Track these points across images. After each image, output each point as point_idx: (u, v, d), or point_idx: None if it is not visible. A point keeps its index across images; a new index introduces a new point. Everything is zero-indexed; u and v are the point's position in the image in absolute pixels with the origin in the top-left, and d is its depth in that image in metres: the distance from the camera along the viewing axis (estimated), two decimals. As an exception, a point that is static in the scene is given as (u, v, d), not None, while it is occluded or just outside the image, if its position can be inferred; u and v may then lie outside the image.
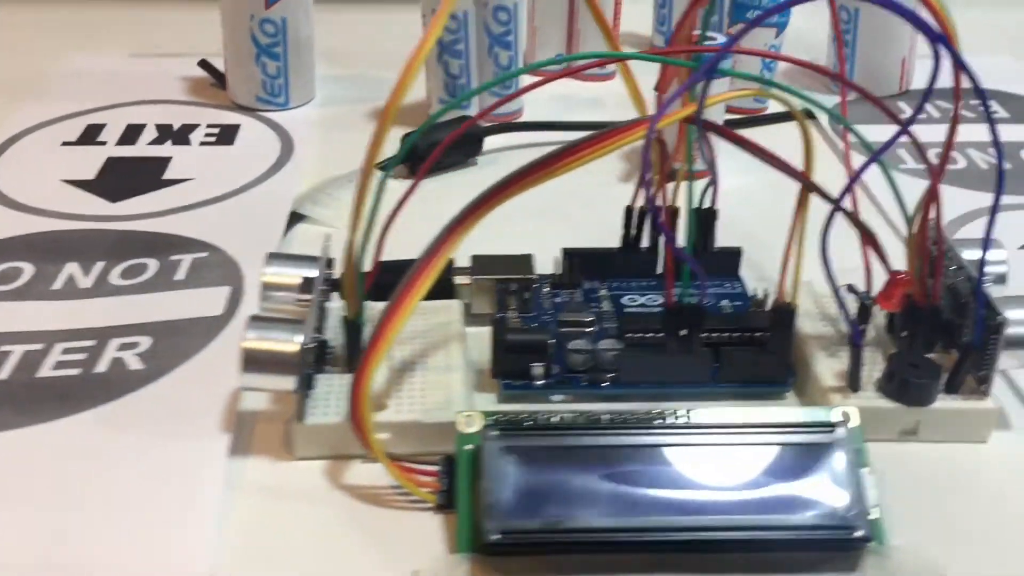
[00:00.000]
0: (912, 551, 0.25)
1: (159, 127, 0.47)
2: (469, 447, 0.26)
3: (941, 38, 0.25)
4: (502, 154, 0.45)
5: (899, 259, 0.29)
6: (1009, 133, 0.48)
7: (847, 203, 0.28)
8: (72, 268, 0.36)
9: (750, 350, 0.30)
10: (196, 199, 0.41)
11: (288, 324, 0.27)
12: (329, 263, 0.31)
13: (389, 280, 0.26)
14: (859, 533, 0.24)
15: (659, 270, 0.35)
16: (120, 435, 0.28)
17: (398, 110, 0.26)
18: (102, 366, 0.31)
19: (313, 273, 0.30)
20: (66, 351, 0.31)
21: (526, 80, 0.46)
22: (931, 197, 0.28)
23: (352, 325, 0.29)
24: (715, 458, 0.25)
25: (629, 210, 0.35)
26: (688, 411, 0.27)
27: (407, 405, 0.28)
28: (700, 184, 0.32)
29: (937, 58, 0.25)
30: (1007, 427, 0.30)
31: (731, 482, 0.25)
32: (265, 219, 0.39)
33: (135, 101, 0.50)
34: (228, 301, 0.34)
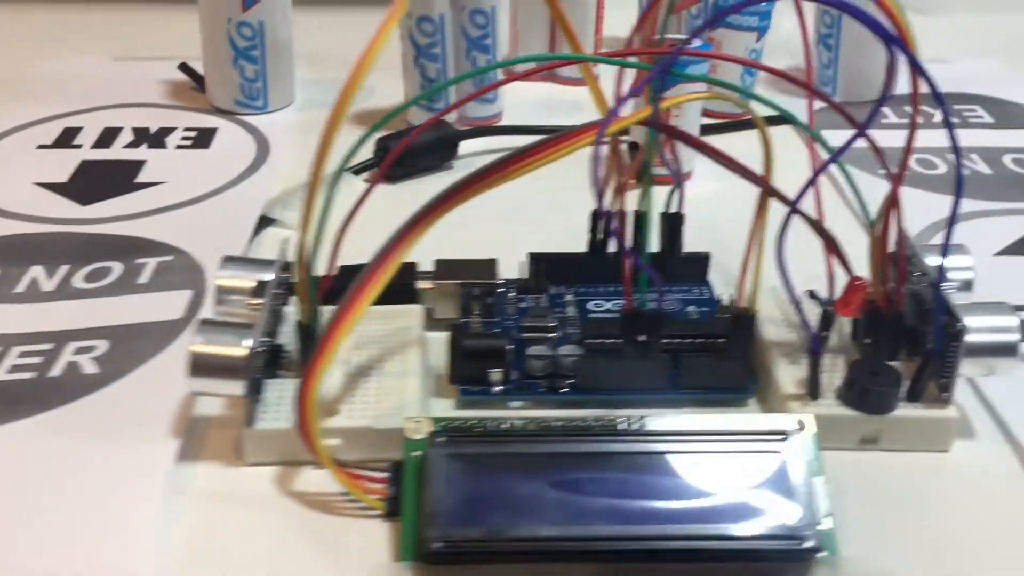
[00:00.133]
0: (864, 563, 0.25)
1: (136, 130, 0.47)
2: (417, 454, 0.26)
3: (896, 40, 0.25)
4: (478, 158, 0.45)
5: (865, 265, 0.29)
6: (993, 138, 0.48)
7: (815, 209, 0.28)
8: (36, 271, 0.36)
9: (710, 356, 0.30)
10: (167, 202, 0.41)
11: (237, 328, 0.27)
12: (286, 267, 0.30)
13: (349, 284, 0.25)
14: (808, 544, 0.24)
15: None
16: (68, 440, 0.28)
17: (346, 116, 0.25)
18: (57, 370, 0.30)
19: (269, 277, 0.30)
20: (22, 355, 0.31)
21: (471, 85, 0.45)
22: (892, 203, 0.28)
23: (306, 330, 0.29)
24: (665, 466, 0.25)
25: (595, 214, 0.34)
26: (641, 418, 0.26)
27: (359, 411, 0.28)
28: (667, 188, 0.31)
29: (892, 60, 0.25)
30: (971, 436, 0.29)
31: (680, 491, 0.25)
32: (235, 223, 0.39)
33: (114, 104, 0.50)
34: (189, 305, 0.34)
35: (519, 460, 0.25)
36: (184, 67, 0.52)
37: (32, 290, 0.34)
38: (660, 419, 0.26)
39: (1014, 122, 0.50)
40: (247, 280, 0.30)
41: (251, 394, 0.27)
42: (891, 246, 0.29)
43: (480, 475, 0.25)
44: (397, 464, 0.26)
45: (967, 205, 0.42)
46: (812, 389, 0.28)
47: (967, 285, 0.31)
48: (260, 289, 0.29)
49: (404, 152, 0.43)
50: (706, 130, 0.44)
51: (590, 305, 0.34)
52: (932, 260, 0.30)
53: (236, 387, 0.26)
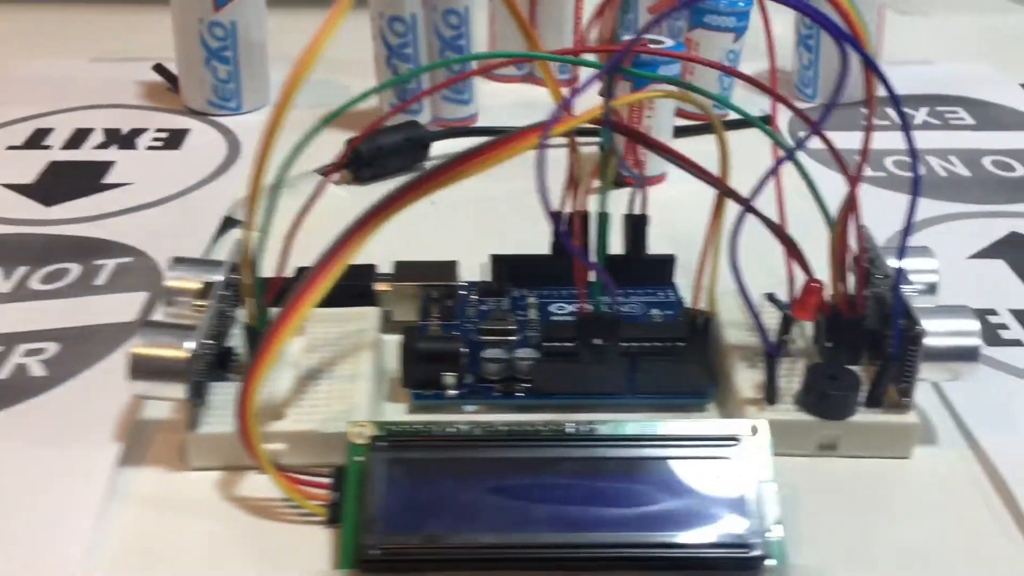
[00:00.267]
0: (815, 572, 0.24)
1: (107, 131, 0.47)
2: (359, 459, 0.25)
3: (847, 37, 0.24)
4: (450, 160, 0.45)
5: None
6: (973, 140, 0.47)
7: (776, 209, 0.28)
8: (-6, 273, 0.35)
9: (667, 360, 0.29)
10: (132, 203, 0.40)
11: (180, 330, 0.26)
12: (235, 268, 0.30)
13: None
14: (755, 552, 0.23)
15: (591, 278, 0.34)
16: (9, 442, 0.27)
17: (285, 117, 0.25)
18: (4, 373, 0.30)
19: (219, 278, 0.29)
20: (-29, 357, 0.31)
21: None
22: (850, 205, 0.27)
23: (253, 332, 0.28)
24: (612, 472, 0.25)
25: (557, 216, 0.34)
26: (591, 423, 0.26)
27: (307, 414, 0.27)
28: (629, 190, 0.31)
29: (845, 58, 0.24)
30: (933, 442, 0.29)
31: (626, 497, 0.24)
32: (200, 224, 0.39)
33: (87, 105, 0.49)
34: (143, 307, 0.33)
35: (463, 465, 0.25)
36: (159, 68, 0.52)
37: (-12, 292, 0.34)
38: (610, 424, 0.26)
39: (995, 124, 0.49)
40: (195, 281, 0.29)
41: (193, 397, 0.26)
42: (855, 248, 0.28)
43: (421, 481, 0.24)
44: (340, 469, 0.25)
45: (943, 208, 0.41)
46: (769, 394, 0.28)
47: (931, 288, 0.30)
48: (207, 290, 0.29)
49: (375, 153, 0.43)
50: (680, 132, 0.43)
51: (552, 308, 0.33)
52: (894, 262, 0.29)
53: (177, 390, 0.26)
